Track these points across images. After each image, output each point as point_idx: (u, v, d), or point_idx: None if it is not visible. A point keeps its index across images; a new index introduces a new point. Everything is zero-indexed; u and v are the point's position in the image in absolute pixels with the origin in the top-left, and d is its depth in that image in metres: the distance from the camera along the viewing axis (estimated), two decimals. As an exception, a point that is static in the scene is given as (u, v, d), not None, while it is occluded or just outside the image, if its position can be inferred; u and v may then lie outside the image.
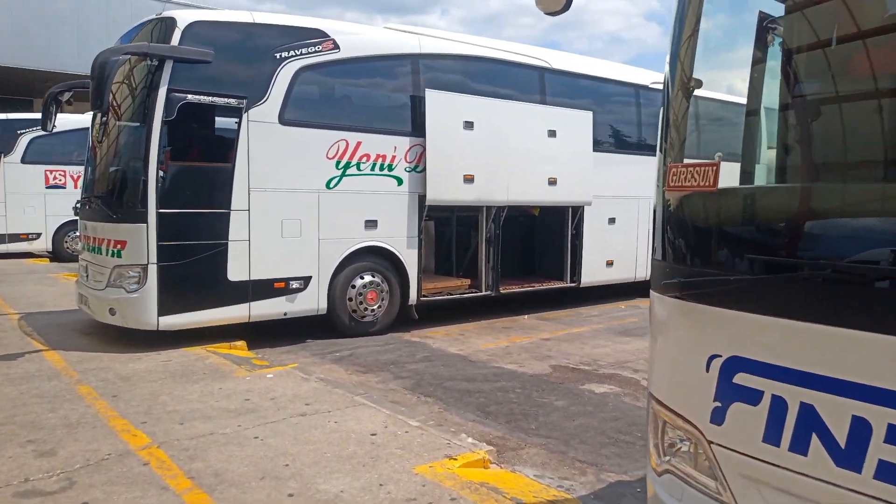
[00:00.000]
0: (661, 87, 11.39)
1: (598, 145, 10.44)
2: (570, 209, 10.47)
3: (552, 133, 9.87)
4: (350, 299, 8.40)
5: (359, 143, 8.27)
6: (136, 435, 4.61)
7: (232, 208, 7.36)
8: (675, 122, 2.79)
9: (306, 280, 7.99)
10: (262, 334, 7.87)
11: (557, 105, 10.08)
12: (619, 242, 11.17)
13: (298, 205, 7.86)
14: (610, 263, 11.06)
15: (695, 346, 2.47)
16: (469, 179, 9.05)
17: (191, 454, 4.28)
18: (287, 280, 7.85)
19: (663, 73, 2.92)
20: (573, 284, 10.66)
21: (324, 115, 8.24)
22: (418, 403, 5.81)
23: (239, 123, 7.36)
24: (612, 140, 10.99)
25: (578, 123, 10.22)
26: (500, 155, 9.33)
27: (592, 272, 10.79)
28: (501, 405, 5.79)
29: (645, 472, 4.61)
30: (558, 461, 4.62)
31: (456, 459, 4.22)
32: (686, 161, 2.74)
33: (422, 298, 9.05)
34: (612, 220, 10.99)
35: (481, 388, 6.29)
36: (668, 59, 2.91)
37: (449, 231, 10.55)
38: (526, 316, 10.06)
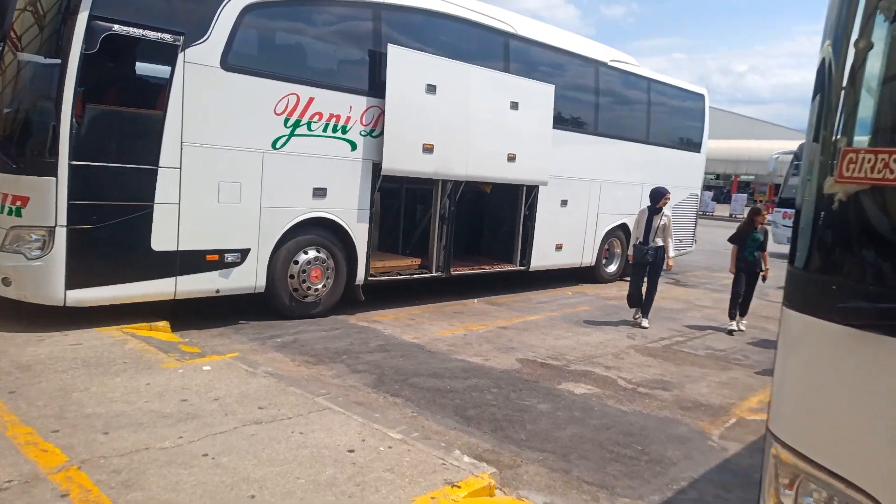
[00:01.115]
0: (621, 65, 10.72)
1: (555, 122, 9.87)
2: (525, 188, 9.89)
3: (514, 105, 9.20)
4: (292, 276, 7.45)
5: (311, 100, 7.26)
6: (48, 450, 3.60)
7: (160, 165, 6.22)
8: (848, 95, 2.15)
9: (244, 253, 6.98)
10: (185, 313, 6.81)
11: (520, 75, 9.40)
12: (570, 226, 10.74)
13: (239, 166, 6.80)
14: (559, 247, 10.61)
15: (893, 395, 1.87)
16: (428, 149, 8.24)
17: (124, 479, 3.34)
18: (222, 252, 6.80)
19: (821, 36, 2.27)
20: (522, 268, 10.14)
21: (273, 64, 7.17)
22: (387, 405, 5.05)
23: (173, 64, 6.18)
24: (568, 118, 10.45)
25: (541, 97, 9.60)
26: (461, 124, 8.58)
27: (542, 256, 10.30)
28: (480, 408, 5.13)
29: (661, 496, 4.15)
30: (564, 483, 4.02)
31: (459, 487, 3.52)
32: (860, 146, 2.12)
33: (370, 278, 8.22)
34: (564, 203, 10.51)
35: (452, 386, 5.61)
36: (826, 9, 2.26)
37: (395, 204, 9.72)
38: (476, 300, 9.44)
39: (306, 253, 7.55)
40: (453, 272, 9.14)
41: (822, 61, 2.29)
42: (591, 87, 10.89)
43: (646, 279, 8.45)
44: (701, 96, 13.15)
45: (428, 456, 3.86)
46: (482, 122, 8.84)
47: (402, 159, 8.04)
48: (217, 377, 4.97)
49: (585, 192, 10.87)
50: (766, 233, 8.55)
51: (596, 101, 10.98)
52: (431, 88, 8.17)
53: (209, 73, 6.43)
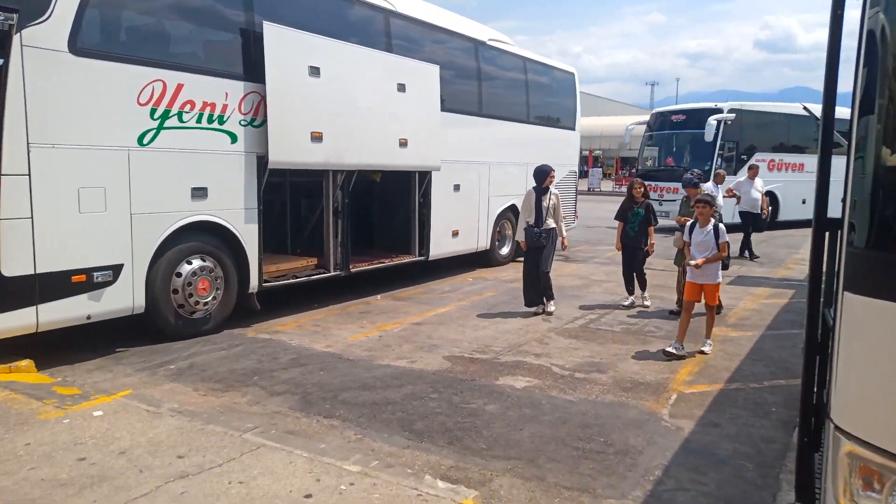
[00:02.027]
0: (499, 44, 10.58)
1: (442, 105, 9.48)
2: (417, 175, 9.44)
3: (402, 87, 8.70)
4: (175, 291, 6.50)
5: (180, 87, 6.32)
6: None
7: (2, 173, 5.08)
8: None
9: (116, 269, 5.95)
10: (49, 346, 5.71)
11: (402, 55, 8.90)
12: (464, 211, 10.47)
13: (101, 167, 5.77)
14: (455, 234, 10.30)
15: None
16: (317, 137, 7.54)
17: (22, 588, 2.53)
18: (89, 271, 5.75)
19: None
20: (422, 258, 9.72)
21: (133, 46, 6.13)
22: (325, 430, 4.42)
23: (7, 49, 5.05)
24: (454, 99, 10.07)
25: (426, 78, 9.17)
26: (350, 109, 7.95)
27: (440, 244, 9.94)
28: (428, 419, 4.65)
29: (643, 490, 3.91)
30: (544, 493, 3.67)
31: (448, 522, 3.05)
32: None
33: (264, 284, 7.41)
34: (457, 188, 10.20)
35: (389, 397, 5.08)
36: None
37: (280, 200, 8.90)
38: (379, 296, 8.89)
39: (190, 263, 6.62)
40: (353, 269, 8.52)
41: (870, 30, 2.05)
42: (472, 68, 10.62)
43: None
44: (571, 74, 13.34)
45: (399, 488, 3.35)
46: (371, 106, 8.26)
47: (289, 150, 7.28)
48: (114, 424, 4.10)
49: (476, 176, 10.62)
50: (648, 207, 8.32)
51: (478, 82, 10.73)
52: (315, 71, 7.45)
53: (55, 58, 5.35)
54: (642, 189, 8.39)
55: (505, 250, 11.78)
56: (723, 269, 6.60)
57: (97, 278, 5.81)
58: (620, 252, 8.55)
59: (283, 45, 7.10)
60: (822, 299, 2.91)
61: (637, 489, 3.77)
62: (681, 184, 8.45)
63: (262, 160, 7.11)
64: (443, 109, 9.45)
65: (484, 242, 11.07)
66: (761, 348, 6.72)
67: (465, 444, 4.27)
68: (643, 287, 8.56)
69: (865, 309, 2.00)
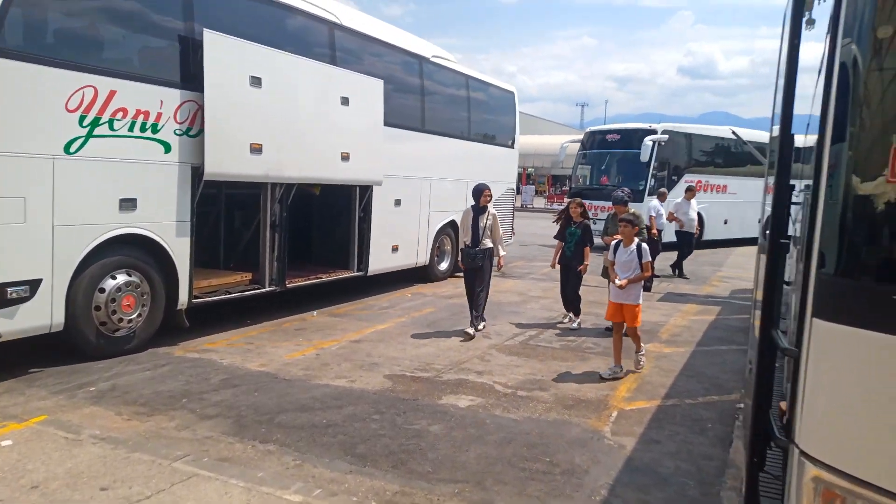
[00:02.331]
0: (442, 61, 10.60)
1: (385, 119, 9.38)
2: (358, 189, 9.30)
3: (345, 101, 8.56)
4: (98, 308, 6.13)
5: (112, 93, 6.01)
6: None
7: None
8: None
9: (34, 285, 5.55)
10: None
11: (346, 68, 8.77)
12: (404, 226, 10.37)
13: (22, 176, 5.39)
14: (395, 249, 10.18)
15: None
16: (257, 149, 7.30)
17: None
18: (3, 287, 5.34)
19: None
20: (360, 273, 9.54)
21: (63, 49, 5.80)
22: (260, 456, 4.21)
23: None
24: (397, 114, 9.98)
25: (370, 92, 9.06)
26: (291, 121, 7.75)
27: (380, 259, 9.80)
28: (370, 442, 4.51)
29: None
30: (492, 517, 3.59)
31: (396, 552, 2.93)
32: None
33: (194, 300, 7.08)
34: (398, 202, 10.10)
35: (329, 419, 4.90)
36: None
37: (213, 212, 8.57)
38: (315, 312, 8.66)
39: (114, 278, 6.26)
40: (289, 285, 8.27)
41: (841, 60, 2.10)
42: (416, 83, 10.59)
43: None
44: (511, 93, 13.51)
45: (343, 517, 3.20)
46: (313, 119, 8.09)
47: (227, 161, 7.02)
48: (26, 454, 3.78)
49: (417, 191, 10.55)
50: (585, 228, 8.17)
51: (421, 98, 10.71)
52: (256, 81, 7.24)
53: (-28, 58, 4.97)
54: (580, 209, 8.25)
55: (444, 265, 11.73)
56: (644, 290, 6.56)
57: (11, 294, 5.40)
58: (559, 270, 8.53)
59: (223, 53, 6.87)
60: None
61: (585, 510, 3.74)
62: (611, 201, 8.44)
63: (196, 171, 6.83)
64: (386, 124, 9.36)
65: (423, 258, 11.00)
66: (693, 364, 6.88)
67: (409, 467, 4.15)
68: (576, 312, 8.39)
69: (834, 336, 2.03)
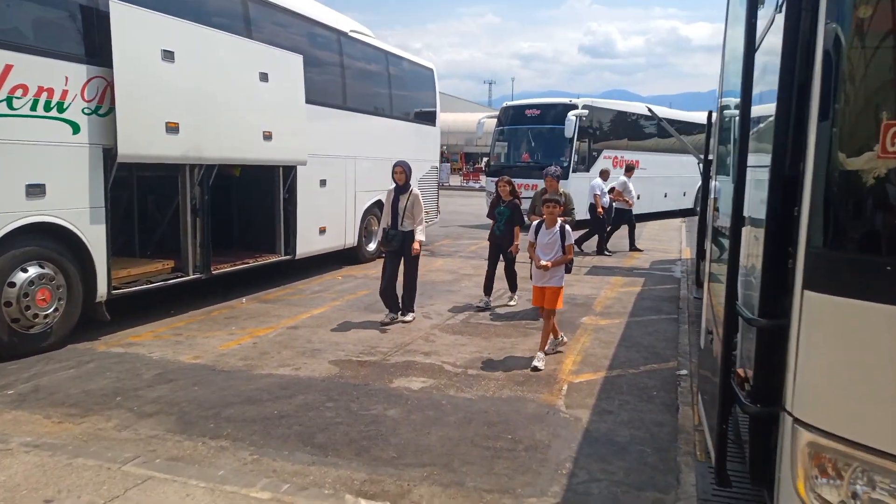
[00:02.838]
0: (361, 37, 10.31)
1: (306, 97, 9.03)
2: (282, 169, 8.93)
3: (264, 77, 8.15)
4: (9, 304, 5.59)
5: (8, 68, 5.44)
6: None
7: None
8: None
9: (-69, 282, 4.98)
10: None
11: (263, 42, 8.34)
12: (331, 207, 10.09)
13: None
14: (323, 231, 9.89)
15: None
16: (173, 128, 6.84)
17: None
18: None
19: None
20: (288, 257, 9.21)
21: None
22: (214, 453, 3.97)
23: None
24: (318, 92, 9.61)
25: (290, 68, 8.68)
26: (209, 99, 7.31)
27: (308, 241, 9.49)
28: (328, 430, 4.35)
29: (560, 486, 3.89)
30: (465, 499, 3.55)
31: (382, 544, 2.82)
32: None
33: (113, 292, 6.59)
34: (323, 183, 9.78)
35: (280, 410, 4.69)
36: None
37: (127, 197, 7.98)
38: (244, 299, 8.29)
39: (26, 271, 5.73)
40: (214, 271, 7.86)
41: (824, 36, 2.13)
42: (336, 60, 10.24)
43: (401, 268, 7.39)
44: (431, 70, 13.35)
45: (319, 513, 3.05)
46: (232, 96, 7.67)
47: (142, 142, 6.54)
48: (-52, 471, 3.38)
49: (342, 170, 10.27)
50: (514, 207, 7.93)
51: (342, 74, 10.37)
52: (169, 55, 6.75)
53: None
54: (508, 187, 8.04)
55: (372, 246, 11.52)
56: (566, 272, 6.10)
57: None
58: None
59: (131, 25, 6.35)
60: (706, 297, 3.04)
61: (554, 484, 3.77)
62: (543, 179, 7.89)
63: (109, 153, 6.32)
64: (307, 101, 9.00)
65: (352, 239, 10.76)
66: (630, 335, 7.10)
67: (373, 454, 4.03)
68: (512, 288, 8.35)
69: (825, 306, 2.08)
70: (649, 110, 17.58)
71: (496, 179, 8.42)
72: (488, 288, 8.21)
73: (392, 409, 4.75)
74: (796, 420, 2.18)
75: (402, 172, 7.25)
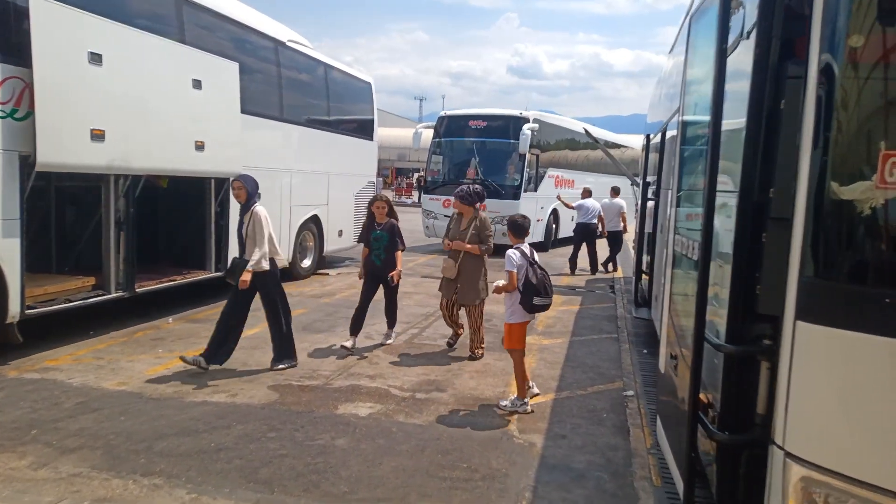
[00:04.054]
0: (300, 47, 10.04)
1: (242, 107, 8.66)
2: (214, 182, 8.50)
3: (197, 84, 7.76)
4: None
5: (-89, 64, 4.90)
6: None
7: None
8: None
9: None
10: None
11: (198, 48, 7.95)
12: (265, 222, 9.65)
13: None
14: (256, 246, 9.45)
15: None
16: (98, 136, 6.38)
17: None
18: None
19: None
20: (219, 273, 8.73)
21: None
22: (147, 492, 3.61)
23: None
24: (254, 102, 9.24)
25: (225, 75, 8.31)
26: (138, 105, 6.88)
27: (240, 258, 9.03)
28: (272, 464, 4.06)
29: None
30: (426, 536, 3.35)
31: None
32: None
33: (27, 311, 6.04)
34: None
35: (218, 442, 4.35)
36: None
37: (43, 208, 7.39)
38: (171, 319, 7.81)
39: (-75, 289, 5.15)
40: (139, 289, 7.36)
41: (817, 67, 2.11)
42: (273, 70, 9.90)
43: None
44: (368, 84, 13.15)
45: (272, 560, 2.79)
46: (163, 103, 7.24)
47: (63, 150, 6.05)
48: None
49: (277, 184, 9.89)
50: (392, 229, 6.77)
51: (279, 85, 10.03)
52: (96, 58, 6.30)
53: None
54: (386, 208, 6.83)
55: (307, 262, 11.15)
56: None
57: None
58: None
59: (54, 24, 5.89)
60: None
61: (515, 516, 3.62)
62: (461, 199, 6.62)
63: (26, 161, 5.81)
64: (242, 111, 8.64)
65: (286, 255, 10.36)
66: (574, 355, 7.08)
67: (324, 489, 3.78)
68: (391, 323, 7.23)
69: (819, 338, 2.03)
70: (586, 132, 16.73)
71: (373, 200, 7.01)
72: (356, 328, 6.78)
73: (340, 439, 4.50)
74: (788, 454, 2.12)
75: (240, 188, 5.96)
